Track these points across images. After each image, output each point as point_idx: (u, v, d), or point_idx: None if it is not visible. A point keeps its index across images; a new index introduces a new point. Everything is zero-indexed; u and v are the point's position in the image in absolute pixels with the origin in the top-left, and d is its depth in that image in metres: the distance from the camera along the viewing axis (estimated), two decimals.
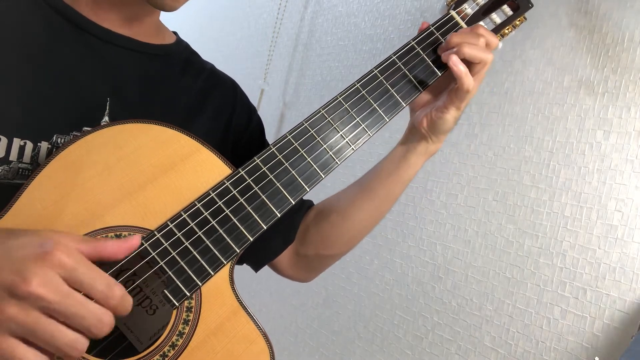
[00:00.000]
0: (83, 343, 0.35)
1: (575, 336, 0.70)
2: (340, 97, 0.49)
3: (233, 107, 0.60)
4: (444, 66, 0.51)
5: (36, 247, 0.34)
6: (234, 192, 0.45)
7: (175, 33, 0.60)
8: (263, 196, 0.46)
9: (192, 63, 0.59)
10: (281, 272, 0.64)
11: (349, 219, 0.59)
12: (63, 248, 0.35)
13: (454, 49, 0.49)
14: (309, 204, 0.64)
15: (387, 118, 0.50)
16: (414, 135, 0.56)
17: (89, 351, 0.38)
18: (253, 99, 1.38)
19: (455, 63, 0.48)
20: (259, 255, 0.60)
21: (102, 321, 0.35)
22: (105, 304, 0.36)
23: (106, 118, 0.49)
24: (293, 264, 0.63)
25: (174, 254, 0.43)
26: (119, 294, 0.36)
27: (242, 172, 0.46)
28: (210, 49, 1.71)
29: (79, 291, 0.35)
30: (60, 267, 0.34)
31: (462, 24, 0.52)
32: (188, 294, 0.43)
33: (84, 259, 0.36)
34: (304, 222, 0.62)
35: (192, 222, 0.44)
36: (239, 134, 0.60)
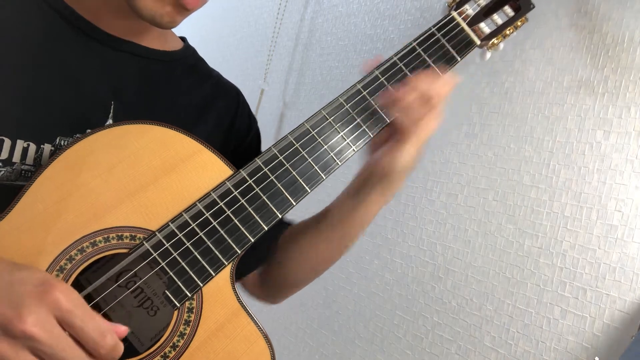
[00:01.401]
0: None
1: (575, 336, 0.71)
2: (341, 98, 0.49)
3: (235, 114, 0.60)
4: (445, 68, 0.51)
5: (36, 284, 0.34)
6: (235, 193, 0.45)
7: (183, 39, 0.60)
8: (264, 197, 0.46)
9: (197, 70, 0.59)
10: (248, 291, 0.63)
11: (307, 258, 0.58)
12: (62, 288, 0.34)
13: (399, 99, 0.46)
14: (287, 224, 0.62)
15: (389, 119, 0.50)
16: (372, 177, 0.52)
17: None
18: (253, 99, 1.38)
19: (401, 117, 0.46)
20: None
21: None
22: (94, 351, 0.35)
23: (110, 121, 0.49)
24: (257, 286, 0.62)
25: (175, 254, 0.43)
26: (110, 344, 0.36)
27: (244, 173, 0.46)
28: (210, 49, 1.70)
29: (72, 334, 0.35)
30: (56, 308, 0.34)
31: (464, 24, 0.52)
32: (189, 294, 0.44)
33: (82, 302, 0.35)
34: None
35: (194, 223, 0.44)
36: (238, 141, 0.60)
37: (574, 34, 0.78)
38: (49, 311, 0.34)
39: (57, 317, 0.34)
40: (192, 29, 1.82)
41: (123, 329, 0.37)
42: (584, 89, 0.76)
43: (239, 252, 0.45)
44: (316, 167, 0.48)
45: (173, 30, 0.59)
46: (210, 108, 0.57)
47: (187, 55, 0.58)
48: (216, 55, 1.67)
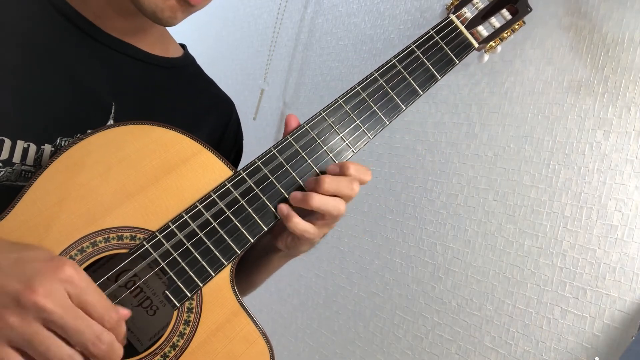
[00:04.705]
0: None
1: (575, 336, 0.71)
2: (340, 99, 0.49)
3: (225, 129, 0.61)
4: (443, 70, 0.52)
5: (47, 260, 0.35)
6: (235, 193, 0.46)
7: (183, 46, 0.60)
8: (264, 198, 0.46)
9: (196, 79, 0.59)
10: None
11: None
12: (71, 264, 0.35)
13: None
14: None
15: (387, 121, 0.50)
16: (275, 251, 0.54)
17: None
18: (253, 99, 1.38)
19: (296, 224, 0.45)
20: None
21: (101, 339, 0.35)
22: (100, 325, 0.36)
23: (111, 122, 0.49)
24: None
25: (175, 255, 0.43)
26: (115, 319, 0.36)
27: (243, 174, 0.46)
28: (210, 49, 1.70)
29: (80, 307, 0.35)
30: (67, 282, 0.34)
31: (462, 27, 0.52)
32: (189, 294, 0.44)
33: (88, 279, 0.36)
34: None
35: (193, 223, 0.44)
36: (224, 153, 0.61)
37: (574, 34, 0.78)
38: (59, 285, 0.34)
39: (67, 291, 0.34)
40: (192, 29, 1.82)
41: (126, 312, 0.38)
42: (584, 89, 0.76)
43: (239, 252, 0.45)
44: (315, 169, 0.48)
45: (174, 36, 0.59)
46: (205, 119, 0.58)
47: (187, 64, 0.58)
48: (216, 55, 1.67)
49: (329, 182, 0.45)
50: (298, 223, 0.45)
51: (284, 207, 0.46)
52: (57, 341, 0.34)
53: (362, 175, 0.46)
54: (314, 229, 0.46)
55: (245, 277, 0.59)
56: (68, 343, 0.35)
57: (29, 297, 0.33)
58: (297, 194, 0.46)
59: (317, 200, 0.44)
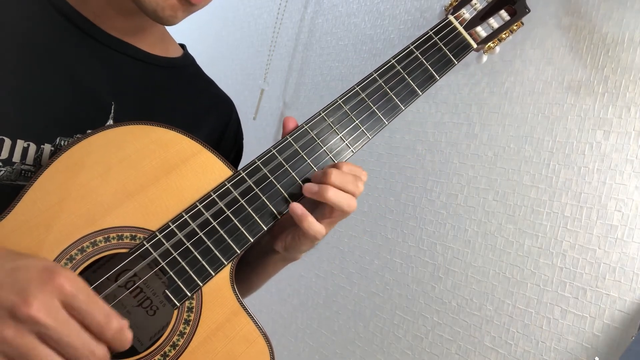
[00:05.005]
0: None
1: (575, 336, 0.71)
2: (339, 100, 0.49)
3: (225, 129, 0.61)
4: (442, 71, 0.52)
5: (41, 270, 0.34)
6: (235, 193, 0.46)
7: (183, 46, 0.61)
8: (263, 197, 0.46)
9: (196, 79, 0.59)
10: None
11: None
12: (66, 274, 0.35)
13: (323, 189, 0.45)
14: None
15: (387, 121, 0.50)
16: (273, 253, 0.53)
17: None
18: (253, 99, 1.38)
19: (306, 219, 0.44)
20: None
21: (94, 354, 0.35)
22: (100, 335, 0.35)
23: (110, 122, 0.49)
24: None
25: (175, 254, 0.44)
26: (116, 327, 0.35)
27: (243, 174, 0.46)
28: (210, 49, 1.71)
29: (77, 319, 0.35)
30: (61, 293, 0.34)
31: (460, 28, 0.52)
32: (189, 294, 0.44)
33: (86, 287, 0.35)
34: None
35: (193, 222, 0.44)
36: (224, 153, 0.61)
37: (574, 34, 0.78)
38: (54, 296, 0.34)
39: (61, 301, 0.34)
40: (192, 29, 1.82)
41: (123, 322, 0.37)
42: (584, 89, 0.76)
43: (239, 252, 0.45)
44: (315, 168, 0.48)
45: (174, 36, 0.59)
46: (205, 119, 0.58)
47: (187, 64, 0.58)
48: (216, 55, 1.67)
49: (336, 175, 0.45)
50: (313, 223, 0.45)
51: (297, 207, 0.45)
52: (52, 355, 0.34)
53: (356, 174, 0.47)
54: (324, 230, 0.46)
55: (245, 278, 0.59)
56: (63, 356, 0.34)
57: (24, 310, 0.32)
58: (312, 186, 0.46)
59: (332, 193, 0.44)
